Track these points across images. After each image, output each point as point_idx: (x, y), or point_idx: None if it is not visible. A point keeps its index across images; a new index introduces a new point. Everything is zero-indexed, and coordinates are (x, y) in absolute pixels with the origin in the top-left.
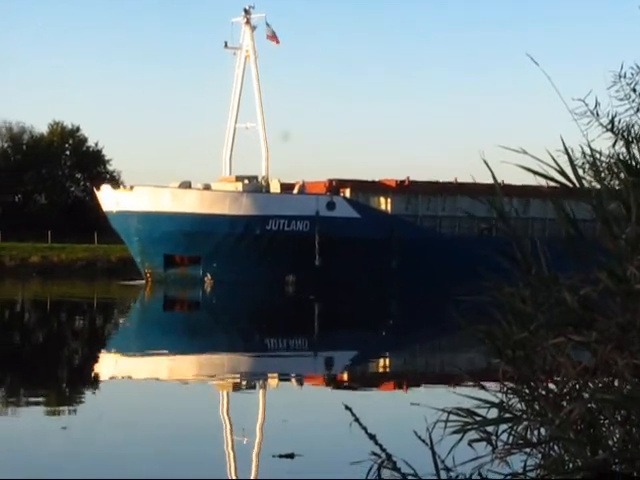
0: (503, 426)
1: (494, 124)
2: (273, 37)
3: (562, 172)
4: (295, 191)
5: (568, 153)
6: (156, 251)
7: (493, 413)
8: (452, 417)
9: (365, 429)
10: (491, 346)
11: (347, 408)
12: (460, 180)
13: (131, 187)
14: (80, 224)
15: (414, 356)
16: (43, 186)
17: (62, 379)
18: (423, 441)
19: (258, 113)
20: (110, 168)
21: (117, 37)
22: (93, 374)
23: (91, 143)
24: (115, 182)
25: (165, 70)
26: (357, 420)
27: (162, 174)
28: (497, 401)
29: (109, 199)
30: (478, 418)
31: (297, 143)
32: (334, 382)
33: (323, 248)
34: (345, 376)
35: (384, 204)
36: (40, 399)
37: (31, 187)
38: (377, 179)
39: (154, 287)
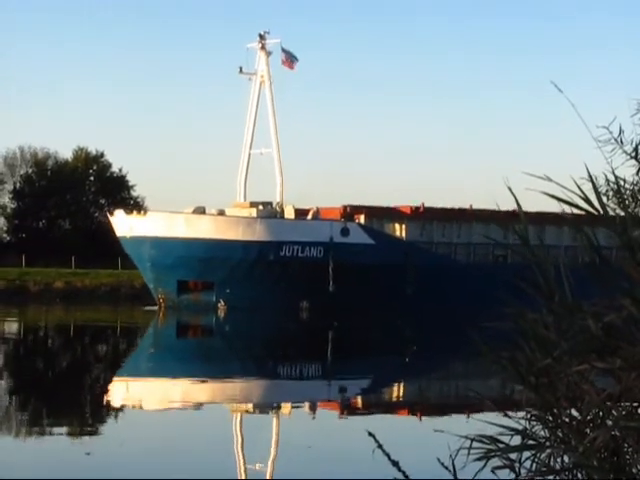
0: (526, 453)
1: (512, 151)
2: (288, 63)
3: (586, 199)
4: (309, 217)
5: (592, 180)
6: (169, 277)
7: (516, 440)
8: (475, 444)
9: (388, 455)
10: (514, 372)
11: (370, 435)
12: (475, 207)
13: (144, 212)
14: (104, 250)
15: (435, 382)
16: (67, 211)
17: (75, 405)
18: (446, 468)
19: (273, 139)
20: (134, 194)
21: (133, 63)
22: (113, 401)
23: (115, 169)
24: (139, 208)
25: (183, 95)
26: (380, 447)
27: (185, 200)
28: (520, 428)
29: (122, 224)
30: (501, 445)
31: (312, 168)
32: (356, 409)
33: (337, 274)
34: (366, 403)
35: (399, 230)
36: (59, 425)
37: (55, 212)
38: (392, 205)
39: (167, 313)
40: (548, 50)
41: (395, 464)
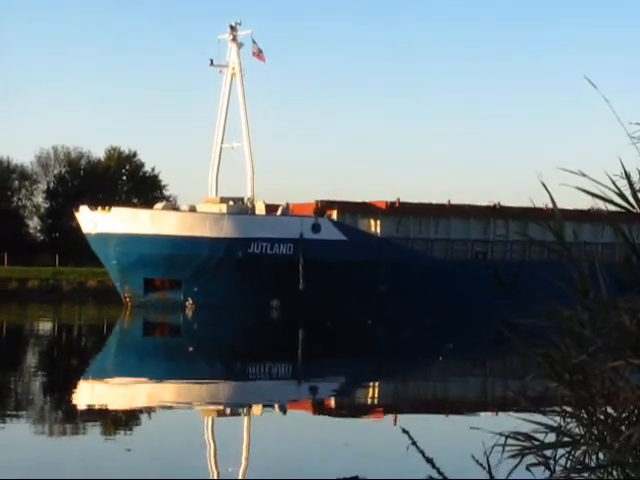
0: (561, 450)
1: (489, 146)
2: (259, 55)
3: (622, 195)
4: (278, 213)
5: (628, 176)
6: (135, 274)
7: (551, 438)
8: (510, 441)
9: (422, 452)
10: (549, 369)
11: (404, 431)
12: (453, 202)
13: (109, 208)
14: None
15: (461, 381)
16: None
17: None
18: (481, 465)
19: (244, 132)
20: (167, 193)
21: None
22: (78, 403)
23: (147, 168)
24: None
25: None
26: (414, 443)
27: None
28: (555, 425)
29: (88, 221)
30: (536, 442)
31: (286, 164)
32: (388, 407)
33: (308, 272)
34: (396, 400)
35: (374, 226)
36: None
37: None
38: (368, 200)
39: (133, 312)
40: (578, 48)
41: (429, 461)
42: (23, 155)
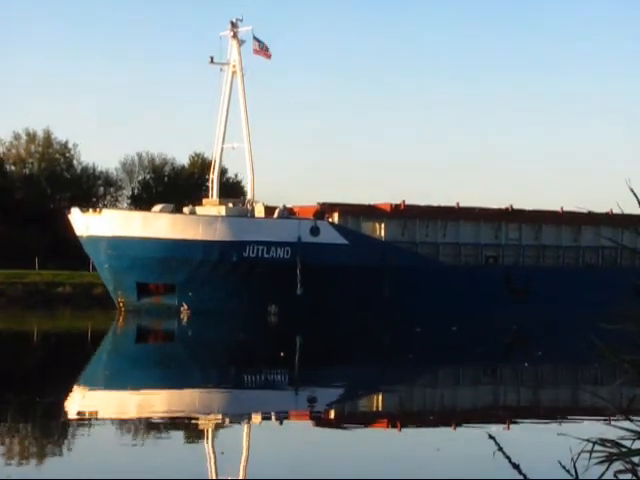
0: None
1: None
2: (262, 51)
3: None
4: (275, 215)
5: None
6: (128, 278)
7: (638, 444)
8: (597, 447)
9: (509, 458)
10: (637, 376)
11: (491, 437)
12: (462, 205)
13: (100, 210)
14: None
15: (543, 386)
16: None
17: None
18: (568, 471)
19: (244, 132)
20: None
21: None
22: (69, 411)
23: (231, 174)
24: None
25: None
26: (501, 449)
27: (295, 199)
28: None
29: (79, 223)
30: (623, 449)
31: (289, 165)
32: (471, 412)
33: (306, 276)
34: (479, 407)
35: (378, 230)
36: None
37: None
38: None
39: (127, 317)
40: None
41: (516, 467)
42: (108, 162)
